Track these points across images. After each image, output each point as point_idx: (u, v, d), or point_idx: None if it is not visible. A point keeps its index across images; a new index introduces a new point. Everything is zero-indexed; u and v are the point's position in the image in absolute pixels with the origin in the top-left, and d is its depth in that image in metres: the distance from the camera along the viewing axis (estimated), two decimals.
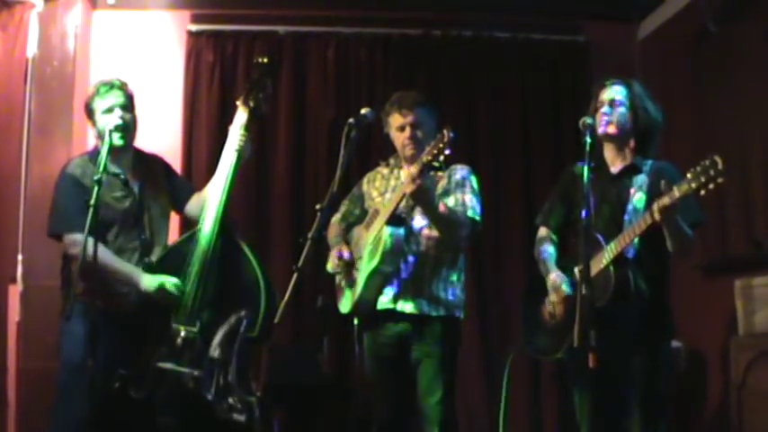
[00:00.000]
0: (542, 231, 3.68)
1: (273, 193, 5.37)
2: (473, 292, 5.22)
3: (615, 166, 3.48)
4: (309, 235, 3.22)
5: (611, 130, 3.41)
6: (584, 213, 3.10)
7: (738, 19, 4.62)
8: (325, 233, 3.28)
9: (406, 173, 3.46)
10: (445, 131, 3.26)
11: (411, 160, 3.61)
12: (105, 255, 3.57)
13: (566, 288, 3.38)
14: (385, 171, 3.83)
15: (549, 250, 3.59)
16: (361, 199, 3.87)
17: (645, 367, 3.29)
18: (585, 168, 3.17)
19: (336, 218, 3.91)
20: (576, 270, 3.26)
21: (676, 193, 2.95)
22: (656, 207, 3.03)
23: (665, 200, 2.99)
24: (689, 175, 2.89)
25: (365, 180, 3.91)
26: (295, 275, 3.14)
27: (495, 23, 5.61)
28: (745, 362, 4.16)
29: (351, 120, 3.44)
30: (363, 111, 3.49)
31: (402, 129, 3.67)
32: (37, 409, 4.30)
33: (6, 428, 4.76)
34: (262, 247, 5.11)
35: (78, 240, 3.41)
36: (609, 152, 3.50)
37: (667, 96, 5.37)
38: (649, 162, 3.42)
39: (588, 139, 3.26)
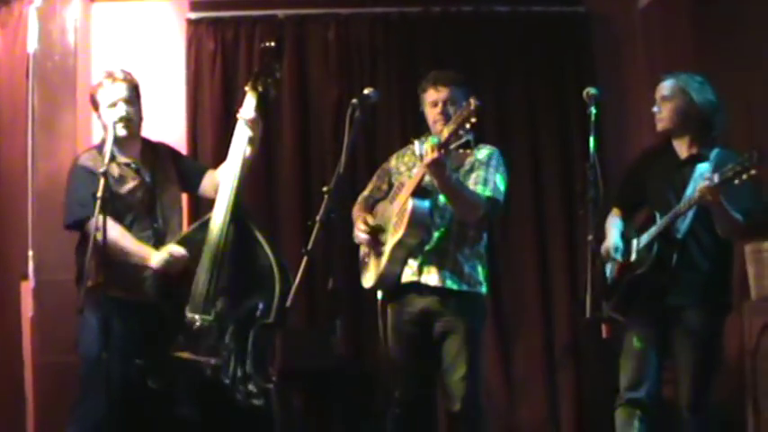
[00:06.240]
0: (613, 210, 3.83)
1: (280, 177, 5.37)
2: None
3: (683, 154, 3.62)
4: (318, 217, 3.23)
5: (661, 126, 3.62)
6: (591, 191, 3.18)
7: None
8: (333, 215, 3.29)
9: (429, 144, 3.45)
10: (472, 100, 3.29)
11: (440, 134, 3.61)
12: (123, 236, 3.64)
13: (614, 253, 3.58)
14: (416, 147, 3.83)
15: (615, 222, 3.75)
16: (388, 174, 3.88)
17: (693, 337, 3.47)
18: (592, 138, 3.24)
19: (363, 194, 3.93)
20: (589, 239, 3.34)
21: (716, 178, 3.21)
22: (697, 189, 3.29)
23: (705, 183, 3.24)
24: (729, 165, 3.19)
25: (394, 156, 3.92)
26: (305, 259, 3.14)
27: None
28: (758, 327, 4.15)
29: (354, 100, 3.43)
30: (366, 91, 3.49)
31: (435, 104, 3.69)
32: (55, 403, 4.33)
33: (25, 423, 4.79)
34: (270, 232, 5.12)
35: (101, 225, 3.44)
36: (675, 142, 3.64)
37: (670, 65, 5.35)
38: (716, 150, 3.54)
39: (593, 110, 3.30)
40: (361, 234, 3.71)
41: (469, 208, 3.58)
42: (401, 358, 3.69)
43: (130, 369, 3.58)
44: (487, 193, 3.62)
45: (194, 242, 3.71)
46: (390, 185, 3.83)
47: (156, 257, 3.66)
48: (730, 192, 3.27)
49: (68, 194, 3.74)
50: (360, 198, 3.92)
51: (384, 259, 3.60)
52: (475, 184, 3.62)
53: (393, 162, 3.89)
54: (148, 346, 3.65)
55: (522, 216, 5.34)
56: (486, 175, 3.65)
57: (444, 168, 3.42)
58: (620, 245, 3.61)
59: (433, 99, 3.69)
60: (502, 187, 3.67)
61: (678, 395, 3.51)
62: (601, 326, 3.49)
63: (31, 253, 4.86)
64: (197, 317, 3.61)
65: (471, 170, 3.67)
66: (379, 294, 3.79)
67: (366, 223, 3.70)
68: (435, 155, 3.35)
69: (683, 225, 3.45)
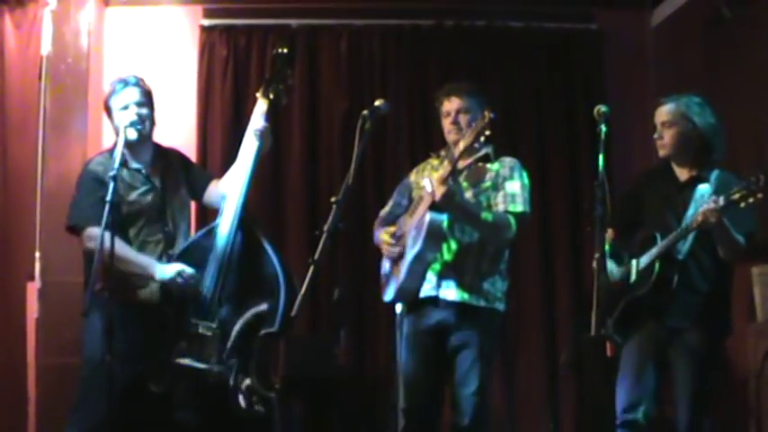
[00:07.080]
0: (608, 232, 3.76)
1: (288, 187, 5.38)
2: None
3: (683, 176, 3.61)
4: (325, 228, 3.23)
5: (663, 152, 3.61)
6: (599, 209, 3.18)
7: (752, 3, 4.58)
8: (340, 225, 3.30)
9: (436, 174, 3.46)
10: (486, 113, 3.31)
11: (456, 146, 3.61)
12: (121, 248, 3.57)
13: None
14: (435, 162, 3.81)
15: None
16: (408, 189, 3.88)
17: (692, 358, 3.45)
18: (601, 156, 3.23)
19: (383, 212, 3.92)
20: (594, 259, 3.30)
21: (721, 201, 3.22)
22: (700, 211, 3.28)
23: (711, 205, 3.24)
24: (734, 188, 3.20)
25: (414, 171, 3.92)
26: (311, 268, 3.14)
27: (508, 13, 5.59)
28: (763, 350, 4.14)
29: (364, 111, 3.43)
30: (377, 102, 3.48)
31: (447, 115, 3.70)
32: (57, 405, 4.33)
33: (27, 424, 4.80)
34: (277, 241, 5.12)
35: (95, 234, 3.45)
36: (675, 164, 3.64)
37: (681, 83, 5.36)
38: (716, 172, 3.53)
39: (603, 128, 3.31)
40: (391, 249, 3.72)
41: (492, 230, 3.58)
42: (413, 368, 3.67)
43: (132, 373, 3.58)
44: (519, 208, 3.62)
45: (201, 248, 3.71)
46: (411, 200, 3.82)
47: (161, 271, 3.65)
48: (733, 214, 3.26)
49: (73, 199, 3.77)
50: (379, 217, 3.92)
51: (403, 273, 3.59)
52: (504, 202, 3.62)
53: (413, 177, 3.89)
54: (151, 351, 3.65)
55: (527, 231, 5.31)
56: (513, 191, 3.64)
57: (454, 200, 3.44)
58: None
59: (446, 110, 3.71)
60: (527, 201, 3.66)
61: (676, 415, 3.50)
62: (605, 343, 3.49)
63: (38, 254, 4.88)
64: (201, 323, 3.61)
65: (495, 187, 3.66)
66: (398, 308, 3.78)
67: (393, 235, 3.71)
68: (441, 190, 3.38)
69: (684, 247, 3.44)
